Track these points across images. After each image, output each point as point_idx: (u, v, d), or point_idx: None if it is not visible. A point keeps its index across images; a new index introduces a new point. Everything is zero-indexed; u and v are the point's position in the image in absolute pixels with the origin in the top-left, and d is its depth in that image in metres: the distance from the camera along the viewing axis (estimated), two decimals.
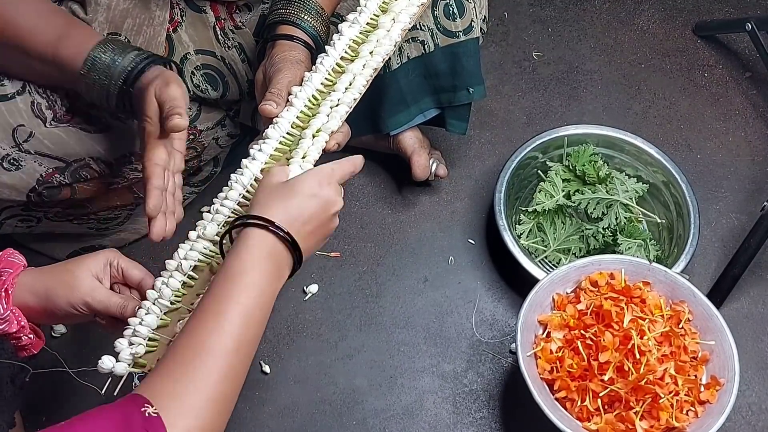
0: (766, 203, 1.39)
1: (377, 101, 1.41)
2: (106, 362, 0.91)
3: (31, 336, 0.93)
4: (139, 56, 1.06)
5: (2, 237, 1.34)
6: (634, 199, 1.50)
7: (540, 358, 1.22)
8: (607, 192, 1.48)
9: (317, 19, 1.16)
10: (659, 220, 1.52)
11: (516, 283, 1.48)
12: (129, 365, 0.92)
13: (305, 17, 1.15)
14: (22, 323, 0.91)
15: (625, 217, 1.47)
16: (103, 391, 0.94)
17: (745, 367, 1.38)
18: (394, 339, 1.44)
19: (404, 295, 1.49)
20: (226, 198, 1.01)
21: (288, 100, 1.06)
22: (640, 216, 1.52)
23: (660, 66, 1.83)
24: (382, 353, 1.42)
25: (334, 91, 1.07)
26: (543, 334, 1.26)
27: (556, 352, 1.22)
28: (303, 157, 1.01)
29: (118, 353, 0.92)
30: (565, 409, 1.19)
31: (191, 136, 1.34)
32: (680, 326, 1.23)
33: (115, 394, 0.93)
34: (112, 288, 0.99)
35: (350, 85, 1.08)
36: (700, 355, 1.22)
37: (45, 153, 1.16)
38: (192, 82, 1.30)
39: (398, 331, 1.45)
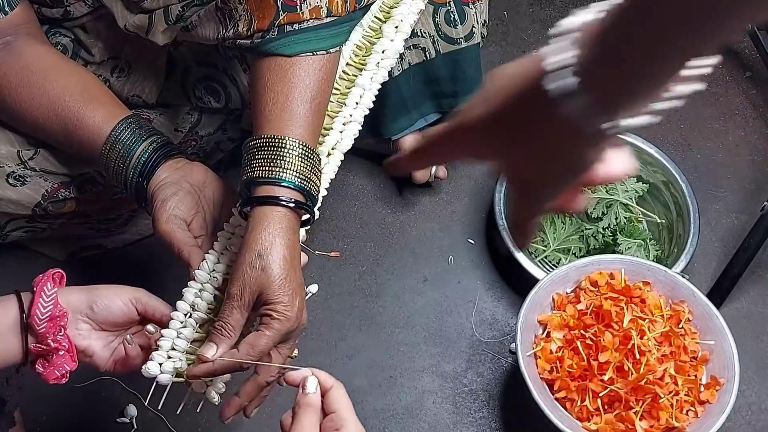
0: (766, 203, 1.39)
1: (378, 106, 1.40)
2: (153, 368, 0.91)
3: (66, 344, 0.89)
4: (151, 146, 1.03)
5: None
6: (633, 198, 1.50)
7: (540, 358, 1.22)
8: (606, 192, 1.48)
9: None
10: (659, 220, 1.52)
11: (516, 283, 1.48)
12: (172, 376, 0.92)
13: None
14: (64, 310, 0.88)
15: (625, 217, 1.47)
16: (146, 402, 0.95)
17: (745, 367, 1.38)
18: (394, 339, 1.44)
19: (404, 294, 1.49)
20: None
21: None
22: (640, 216, 1.52)
23: None
24: (382, 353, 1.42)
25: (345, 105, 1.06)
26: (543, 334, 1.26)
27: (556, 352, 1.22)
28: None
29: (160, 364, 0.92)
30: (565, 409, 1.19)
31: (193, 143, 1.34)
32: (680, 326, 1.23)
33: (159, 407, 0.95)
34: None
35: (360, 99, 1.08)
36: (700, 355, 1.22)
37: (50, 170, 1.16)
38: (194, 94, 1.29)
39: (398, 331, 1.45)
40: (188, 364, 0.93)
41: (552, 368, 1.21)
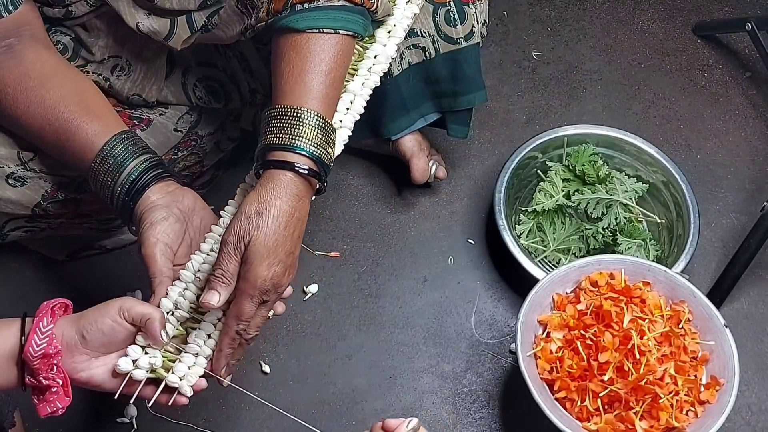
0: (766, 203, 1.39)
1: (378, 106, 1.40)
2: (123, 365, 0.90)
3: (60, 382, 0.88)
4: (142, 165, 1.03)
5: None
6: (633, 199, 1.50)
7: (540, 358, 1.22)
8: (606, 192, 1.48)
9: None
10: (659, 220, 1.52)
11: (516, 283, 1.48)
12: (147, 371, 0.92)
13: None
14: (59, 347, 0.87)
15: (625, 217, 1.47)
16: (116, 396, 0.93)
17: (745, 368, 1.38)
18: (394, 339, 1.44)
19: (404, 295, 1.49)
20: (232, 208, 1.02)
21: None
22: (640, 216, 1.52)
23: (660, 66, 1.83)
24: (382, 353, 1.42)
25: (335, 111, 1.05)
26: (543, 334, 1.25)
27: (556, 352, 1.22)
28: None
29: (135, 360, 0.91)
30: (565, 409, 1.18)
31: (193, 143, 1.34)
32: (680, 326, 1.23)
33: (131, 402, 0.93)
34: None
35: (351, 104, 1.08)
36: (700, 355, 1.22)
37: (50, 171, 1.16)
38: (194, 94, 1.29)
39: (398, 332, 1.44)
40: (165, 360, 0.93)
41: (552, 368, 1.21)
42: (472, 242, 1.55)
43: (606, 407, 1.17)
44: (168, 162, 1.29)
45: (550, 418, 1.14)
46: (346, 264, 1.52)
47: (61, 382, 0.88)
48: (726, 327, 1.21)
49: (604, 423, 1.15)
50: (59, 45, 1.18)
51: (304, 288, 1.48)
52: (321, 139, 0.96)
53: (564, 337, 1.24)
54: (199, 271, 0.97)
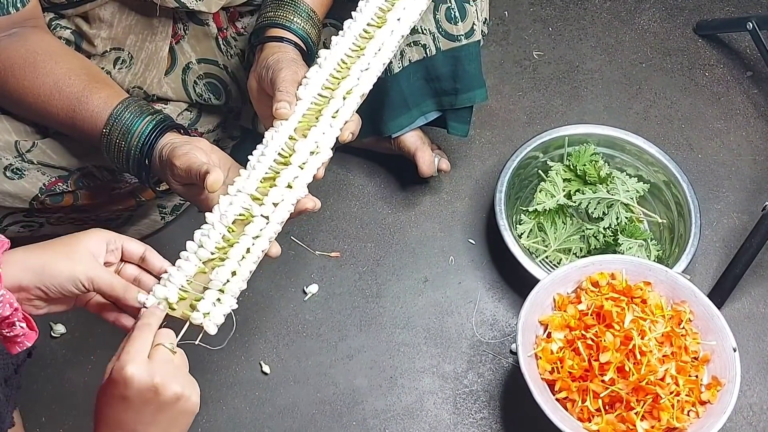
0: (767, 203, 1.39)
1: (379, 104, 1.40)
2: (140, 296, 0.90)
3: (24, 325, 0.85)
4: (150, 123, 1.06)
5: None
6: (635, 198, 1.49)
7: (541, 358, 1.22)
8: (607, 192, 1.48)
9: (308, 21, 1.16)
10: (660, 220, 1.52)
11: (516, 283, 1.48)
12: (158, 303, 0.90)
13: (295, 20, 1.14)
14: (15, 305, 0.84)
15: (626, 217, 1.46)
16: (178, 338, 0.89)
17: (747, 368, 1.38)
18: (395, 339, 1.43)
19: (404, 295, 1.48)
20: (262, 154, 1.02)
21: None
22: (641, 216, 1.52)
23: (661, 65, 1.83)
24: (383, 354, 1.42)
25: (348, 76, 1.08)
26: (544, 334, 1.25)
27: (557, 353, 1.22)
28: (313, 153, 1.03)
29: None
30: (566, 409, 1.18)
31: None
32: (681, 326, 1.23)
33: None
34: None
35: (367, 68, 1.10)
36: (701, 356, 1.22)
37: (48, 163, 1.16)
38: (195, 91, 1.30)
39: (398, 332, 1.44)
40: (180, 300, 0.91)
41: (553, 369, 1.21)
42: (473, 242, 1.55)
43: (607, 408, 1.17)
44: None
45: (551, 418, 1.13)
46: (346, 264, 1.52)
47: (25, 325, 0.85)
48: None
49: (605, 423, 1.15)
50: (60, 40, 1.18)
51: (305, 288, 1.48)
52: (311, 28, 1.15)
53: (565, 337, 1.24)
54: (226, 212, 0.97)
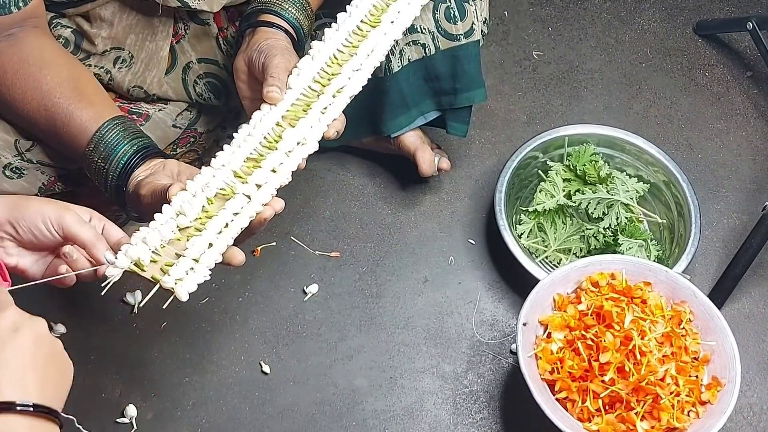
0: (767, 203, 1.38)
1: (378, 104, 1.40)
2: (109, 256, 0.89)
3: None
4: (131, 149, 1.05)
5: None
6: (634, 199, 1.49)
7: (540, 358, 1.22)
8: (607, 192, 1.48)
9: (301, 12, 1.16)
10: (660, 220, 1.52)
11: (516, 283, 1.48)
12: (131, 263, 0.89)
13: (289, 8, 1.14)
14: None
15: (626, 217, 1.46)
16: (103, 293, 0.89)
17: (747, 368, 1.38)
18: (394, 339, 1.43)
19: (404, 295, 1.48)
20: (249, 135, 1.02)
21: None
22: (641, 216, 1.52)
23: (661, 65, 1.83)
24: (382, 354, 1.42)
25: (340, 74, 1.07)
26: (544, 334, 1.25)
27: (557, 353, 1.22)
28: (299, 144, 1.03)
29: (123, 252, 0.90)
30: (566, 409, 1.18)
31: (192, 139, 1.34)
32: (681, 327, 1.23)
33: (102, 293, 0.89)
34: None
35: (359, 68, 1.09)
36: (702, 356, 1.22)
37: (47, 162, 1.16)
38: (195, 90, 1.30)
39: (398, 332, 1.44)
40: (151, 262, 0.90)
41: (553, 369, 1.21)
42: (473, 242, 1.55)
43: (607, 408, 1.17)
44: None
45: (551, 418, 1.13)
46: (346, 264, 1.52)
47: None
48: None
49: (605, 423, 1.15)
50: (60, 39, 1.18)
51: (305, 288, 1.48)
52: (303, 17, 1.15)
53: (565, 337, 1.23)
54: (208, 184, 0.97)
